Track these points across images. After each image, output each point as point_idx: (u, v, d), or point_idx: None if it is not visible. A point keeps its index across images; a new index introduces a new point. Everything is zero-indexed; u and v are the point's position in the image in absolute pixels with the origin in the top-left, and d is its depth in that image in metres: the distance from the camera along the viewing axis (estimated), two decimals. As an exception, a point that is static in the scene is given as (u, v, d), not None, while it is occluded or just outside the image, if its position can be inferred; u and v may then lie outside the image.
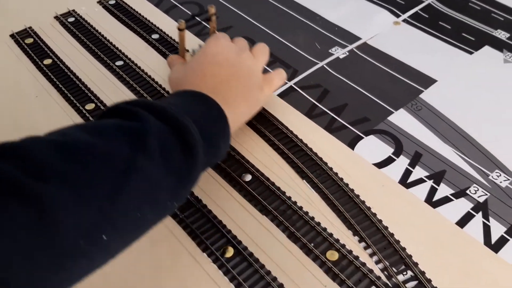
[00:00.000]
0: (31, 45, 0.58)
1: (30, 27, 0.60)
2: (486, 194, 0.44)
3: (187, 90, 0.40)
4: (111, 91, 0.52)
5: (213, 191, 0.44)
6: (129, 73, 0.54)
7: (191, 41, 0.58)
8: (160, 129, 0.33)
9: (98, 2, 0.64)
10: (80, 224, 0.27)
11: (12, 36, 0.59)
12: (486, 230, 0.41)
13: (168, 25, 0.61)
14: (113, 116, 0.34)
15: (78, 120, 0.50)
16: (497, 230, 0.41)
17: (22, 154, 0.27)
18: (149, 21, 0.61)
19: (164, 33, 0.60)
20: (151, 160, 0.31)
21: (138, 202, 0.30)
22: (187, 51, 0.55)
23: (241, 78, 0.44)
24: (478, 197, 0.44)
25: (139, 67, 0.55)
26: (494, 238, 0.41)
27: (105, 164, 0.29)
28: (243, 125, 0.48)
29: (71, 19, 0.61)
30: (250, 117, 0.46)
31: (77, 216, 0.27)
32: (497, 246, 0.40)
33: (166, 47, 0.58)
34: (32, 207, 0.25)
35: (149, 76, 0.54)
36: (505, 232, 0.41)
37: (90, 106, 0.51)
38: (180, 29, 0.51)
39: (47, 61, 0.56)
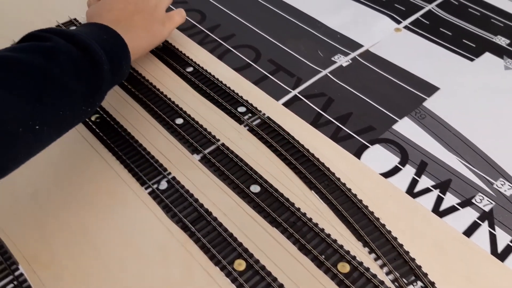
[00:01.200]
0: (34, 55, 0.57)
1: (32, 37, 0.60)
2: (491, 203, 0.45)
3: (93, 22, 0.48)
4: (116, 101, 0.53)
5: (223, 203, 0.44)
6: (132, 82, 0.55)
7: None
8: (71, 49, 0.40)
9: (99, 11, 0.64)
10: (18, 116, 0.35)
11: (14, 46, 0.59)
12: (492, 239, 0.42)
13: (172, 35, 0.61)
14: (27, 41, 0.41)
15: (82, 128, 0.50)
16: (503, 239, 0.42)
17: None
18: (151, 29, 0.61)
19: (168, 41, 0.60)
20: (65, 72, 0.39)
21: (60, 103, 0.38)
22: None
23: (144, 13, 0.53)
24: (484, 206, 0.44)
25: (144, 77, 0.55)
26: (500, 247, 0.42)
27: (28, 71, 0.37)
28: (245, 132, 0.49)
29: (73, 28, 0.61)
30: (152, 47, 0.55)
31: (14, 110, 0.35)
32: (503, 255, 0.41)
33: (170, 56, 0.58)
34: None
35: (154, 86, 0.54)
36: (511, 241, 0.42)
37: (95, 117, 0.51)
38: None
39: (51, 72, 0.55)
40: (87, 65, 0.41)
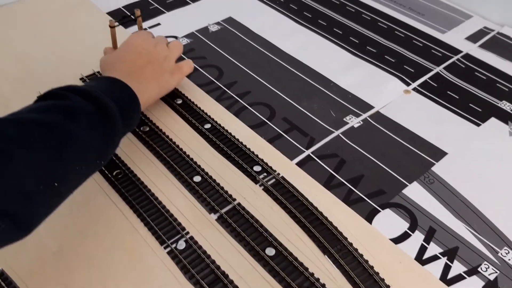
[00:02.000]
0: (59, 107, 0.60)
1: (57, 88, 0.63)
2: (496, 272, 0.46)
3: (107, 76, 0.52)
4: (139, 159, 0.55)
5: (239, 265, 0.46)
6: (154, 138, 0.57)
7: (122, 35, 0.64)
8: (87, 106, 0.43)
9: (122, 64, 0.67)
10: (38, 173, 0.37)
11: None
12: (498, 309, 0.44)
13: (192, 91, 0.64)
14: (46, 99, 0.43)
15: (104, 183, 0.52)
16: (508, 309, 0.44)
17: None
18: (171, 84, 0.64)
19: (187, 98, 0.62)
20: (82, 129, 0.42)
21: (76, 159, 0.41)
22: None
23: (155, 64, 0.57)
24: (489, 275, 0.46)
25: (164, 133, 0.58)
26: (505, 318, 0.43)
27: (48, 131, 0.39)
28: (259, 191, 0.51)
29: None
30: (160, 96, 0.60)
31: (35, 168, 0.37)
32: (508, 326, 0.43)
33: (189, 112, 0.60)
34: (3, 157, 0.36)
35: (174, 143, 0.57)
36: (516, 313, 0.43)
37: (116, 172, 0.53)
38: (111, 27, 0.61)
39: (75, 125, 0.58)
40: (102, 120, 0.44)
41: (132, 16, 0.65)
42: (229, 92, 0.64)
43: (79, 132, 0.41)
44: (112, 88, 0.49)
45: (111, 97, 0.46)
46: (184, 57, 0.69)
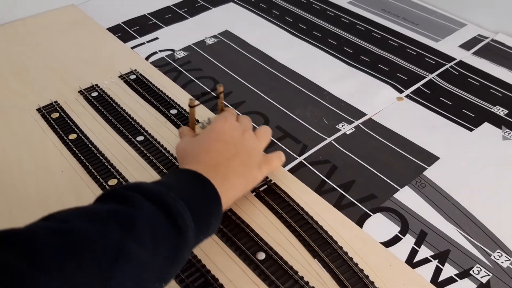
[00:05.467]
0: (57, 119, 0.61)
1: (56, 101, 0.64)
2: (489, 275, 0.46)
3: (186, 169, 0.45)
4: (133, 167, 0.56)
5: (229, 270, 0.46)
6: (149, 148, 0.58)
7: (202, 113, 0.62)
8: (153, 214, 0.37)
9: (119, 77, 0.68)
10: None
11: (38, 110, 0.63)
12: (490, 311, 0.44)
13: (185, 100, 0.65)
14: (109, 200, 0.38)
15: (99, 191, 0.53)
16: (500, 311, 0.43)
17: (24, 243, 0.30)
18: (167, 96, 0.65)
19: (182, 108, 0.64)
20: (141, 245, 0.35)
21: (130, 281, 0.34)
22: (197, 121, 0.58)
23: (242, 156, 0.49)
24: (481, 277, 0.46)
25: (159, 142, 0.59)
26: (497, 320, 0.43)
27: (98, 251, 0.33)
28: (251, 197, 0.51)
29: (94, 94, 0.65)
30: (246, 192, 0.52)
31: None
32: (500, 328, 0.42)
33: (184, 122, 0.61)
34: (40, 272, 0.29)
35: (168, 152, 0.58)
36: (508, 315, 0.43)
37: (113, 182, 0.54)
38: (191, 106, 0.54)
39: (72, 136, 0.59)
40: (170, 233, 0.37)
41: (213, 93, 0.56)
42: (224, 102, 0.65)
43: (139, 250, 0.34)
44: (191, 189, 0.42)
45: (188, 198, 0.40)
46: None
